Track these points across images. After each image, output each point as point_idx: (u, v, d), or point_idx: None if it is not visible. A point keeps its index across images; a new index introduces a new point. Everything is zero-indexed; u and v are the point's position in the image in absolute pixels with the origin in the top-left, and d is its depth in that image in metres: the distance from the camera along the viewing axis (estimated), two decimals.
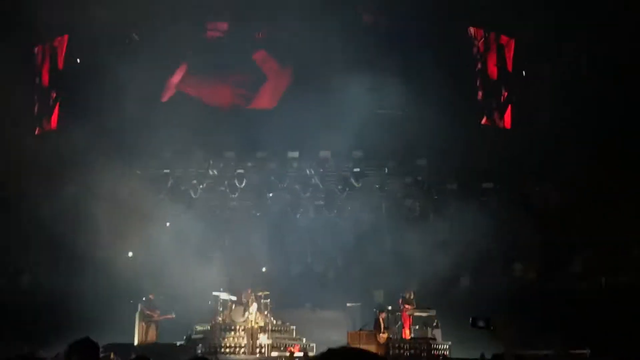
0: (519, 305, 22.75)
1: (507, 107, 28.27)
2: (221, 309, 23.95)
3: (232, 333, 23.08)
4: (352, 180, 27.09)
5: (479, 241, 24.91)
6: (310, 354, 22.40)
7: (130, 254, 26.79)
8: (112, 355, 20.48)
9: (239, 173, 27.31)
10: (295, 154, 26.81)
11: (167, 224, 27.44)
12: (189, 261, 24.80)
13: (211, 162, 27.23)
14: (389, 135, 25.08)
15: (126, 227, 25.47)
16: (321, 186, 27.54)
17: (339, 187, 27.51)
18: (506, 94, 28.37)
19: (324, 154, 26.66)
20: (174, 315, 23.39)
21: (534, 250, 26.56)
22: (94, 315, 22.67)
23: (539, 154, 26.58)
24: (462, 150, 26.09)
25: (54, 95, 28.36)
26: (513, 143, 26.75)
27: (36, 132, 28.25)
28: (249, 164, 27.32)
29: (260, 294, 23.80)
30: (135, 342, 23.14)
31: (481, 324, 6.40)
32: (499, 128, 28.02)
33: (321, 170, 27.20)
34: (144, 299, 24.06)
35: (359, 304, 26.36)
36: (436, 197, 27.47)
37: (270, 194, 27.87)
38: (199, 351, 22.20)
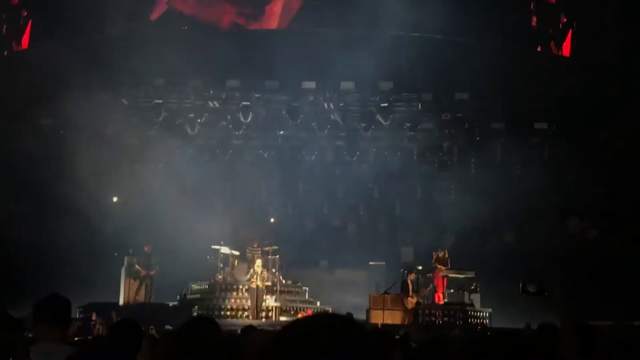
0: (575, 268, 22.51)
1: (566, 34, 27.75)
2: (221, 265, 23.95)
3: (234, 294, 23.16)
4: (379, 117, 26.68)
5: (528, 192, 24.62)
6: None
7: (115, 199, 26.74)
8: (93, 317, 20.52)
9: (244, 106, 26.98)
10: (312, 85, 26.43)
11: (159, 164, 27.30)
12: (184, 209, 24.68)
13: (211, 92, 26.91)
14: (424, 63, 24.62)
15: (110, 167, 25.36)
16: (341, 123, 27.19)
17: (363, 124, 27.15)
18: (565, 19, 27.84)
19: (346, 84, 26.25)
20: (155, 270, 23.44)
21: (594, 205, 26.20)
22: (73, 271, 22.74)
23: (603, 89, 26.05)
24: (512, 83, 25.62)
25: (25, 13, 28.26)
26: (572, 76, 26.25)
27: (4, 54, 28.18)
28: (256, 96, 26.97)
29: (267, 248, 23.76)
30: (121, 302, 23.22)
31: (532, 289, 6.00)
32: (556, 58, 27.48)
33: (342, 104, 26.82)
34: (131, 251, 24.07)
35: (383, 263, 26.25)
36: (478, 138, 27.06)
37: (281, 132, 27.60)
38: (195, 314, 22.23)
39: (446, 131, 26.90)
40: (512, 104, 26.21)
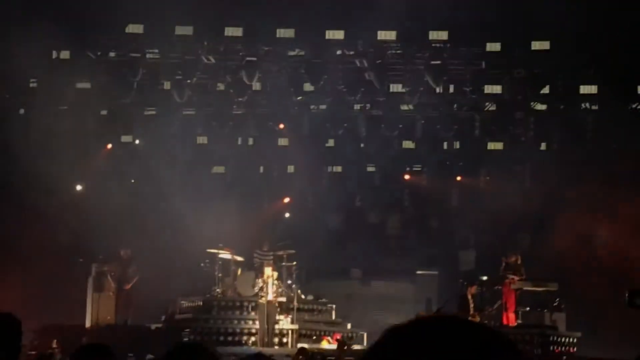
0: None
1: None
2: (220, 275, 24.13)
3: (237, 313, 23.30)
4: (429, 79, 26.76)
5: (629, 174, 24.62)
6: (357, 347, 22.56)
7: (78, 187, 27.02)
8: (53, 344, 20.83)
9: (249, 62, 27.15)
10: (340, 34, 26.53)
11: (136, 141, 27.53)
12: (171, 200, 24.95)
13: (206, 43, 27.05)
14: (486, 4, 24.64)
15: (74, 146, 25.60)
16: (378, 86, 27.30)
17: (407, 88, 27.24)
18: None
19: (385, 34, 26.34)
20: (134, 282, 23.71)
21: None
22: (25, 283, 23.02)
23: None
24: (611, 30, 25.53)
25: None
26: None
27: None
28: (265, 49, 27.12)
29: (281, 253, 23.93)
30: (88, 324, 23.48)
31: None
32: None
33: (379, 61, 26.91)
34: (101, 256, 24.35)
35: (435, 272, 26.44)
36: (562, 106, 27.06)
37: (299, 98, 27.76)
38: (186, 339, 22.45)
39: (519, 97, 26.89)
40: (608, 59, 26.08)
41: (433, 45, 26.07)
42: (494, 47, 26.20)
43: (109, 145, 27.05)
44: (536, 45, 26.10)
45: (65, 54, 25.66)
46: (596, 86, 26.77)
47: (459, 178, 27.47)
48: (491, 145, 27.29)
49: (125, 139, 27.94)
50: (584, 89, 26.94)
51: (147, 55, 27.09)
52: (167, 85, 27.37)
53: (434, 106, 27.51)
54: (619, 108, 26.51)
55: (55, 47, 25.15)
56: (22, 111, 26.89)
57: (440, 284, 25.31)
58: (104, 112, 27.10)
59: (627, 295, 5.86)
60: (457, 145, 28.13)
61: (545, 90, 26.57)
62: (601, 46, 25.88)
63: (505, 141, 27.35)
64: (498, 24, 25.82)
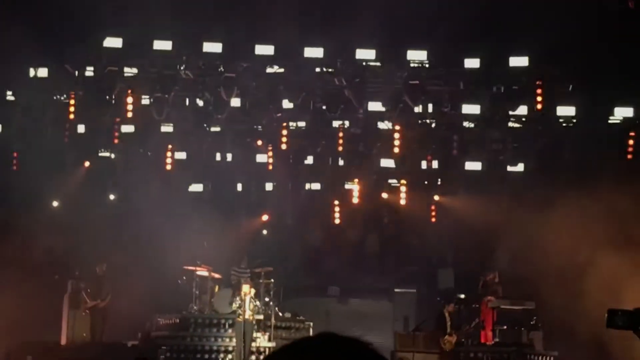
0: None
1: None
2: (197, 292, 24.07)
3: (214, 330, 23.27)
4: (406, 98, 26.69)
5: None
6: None
7: (55, 203, 26.86)
8: None
9: (227, 78, 27.04)
10: (319, 52, 26.47)
11: (111, 155, 27.33)
12: (147, 216, 24.80)
13: (184, 58, 26.90)
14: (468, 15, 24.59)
15: (50, 162, 25.43)
16: (356, 104, 27.21)
17: (386, 107, 27.17)
18: None
19: (363, 53, 26.29)
20: (108, 299, 23.56)
21: None
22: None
23: None
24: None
25: None
26: None
27: None
28: (244, 65, 27.03)
29: (258, 270, 23.90)
30: (63, 341, 23.37)
31: (622, 321, 6.16)
32: None
33: (357, 79, 26.84)
34: (77, 273, 24.23)
35: (413, 290, 26.38)
36: (540, 127, 27.04)
37: (278, 115, 27.66)
38: (162, 356, 22.36)
39: (497, 115, 26.80)
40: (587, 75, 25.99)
41: (411, 64, 26.01)
42: (472, 63, 26.06)
43: (87, 163, 26.76)
44: (514, 61, 25.97)
45: (43, 72, 25.33)
46: (574, 106, 26.64)
47: (437, 197, 27.37)
48: (468, 163, 27.15)
49: (103, 154, 27.73)
50: (561, 110, 26.79)
51: (125, 70, 26.86)
52: (144, 100, 27.17)
53: (411, 125, 27.38)
54: (597, 126, 26.48)
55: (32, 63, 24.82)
56: None
57: (419, 302, 25.28)
58: (81, 128, 26.81)
59: (606, 315, 5.76)
60: (435, 162, 27.98)
61: (523, 109, 26.46)
62: (580, 62, 25.78)
63: (484, 159, 27.22)
64: (476, 39, 25.73)
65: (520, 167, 27.07)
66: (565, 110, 26.47)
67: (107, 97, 26.43)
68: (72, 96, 25.60)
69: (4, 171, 24.36)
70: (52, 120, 25.87)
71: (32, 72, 24.95)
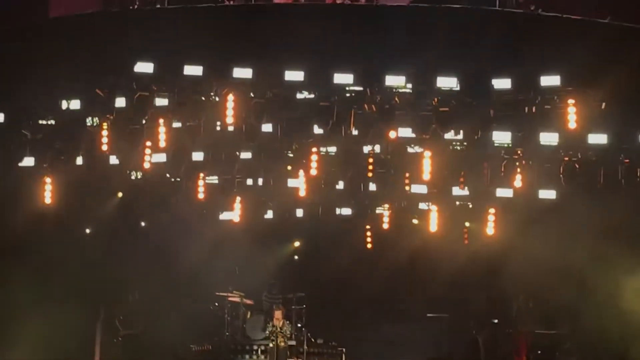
0: None
1: None
2: (229, 318, 24.04)
3: (247, 357, 23.22)
4: (436, 124, 26.63)
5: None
6: None
7: (87, 230, 26.88)
8: None
9: (257, 104, 27.04)
10: (348, 78, 26.40)
11: (143, 181, 27.32)
12: (180, 244, 24.82)
13: (214, 83, 26.87)
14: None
15: (82, 190, 25.48)
16: (385, 130, 27.17)
17: (416, 133, 27.13)
18: None
19: (393, 80, 26.24)
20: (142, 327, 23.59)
21: None
22: (28, 326, 22.83)
23: None
24: None
25: None
26: None
27: None
28: (274, 91, 27.04)
29: (290, 296, 23.85)
30: None
31: None
32: None
33: (387, 106, 26.82)
34: (109, 300, 24.23)
35: (445, 314, 26.14)
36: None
37: (310, 140, 27.60)
38: None
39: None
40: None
41: (442, 89, 25.90)
42: (503, 84, 25.72)
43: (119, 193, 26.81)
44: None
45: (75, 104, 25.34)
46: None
47: (467, 223, 27.22)
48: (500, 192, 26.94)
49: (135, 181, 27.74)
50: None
51: (156, 95, 26.83)
52: (175, 124, 27.13)
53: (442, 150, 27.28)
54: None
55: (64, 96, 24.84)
56: None
57: (451, 328, 25.07)
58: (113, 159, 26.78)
59: None
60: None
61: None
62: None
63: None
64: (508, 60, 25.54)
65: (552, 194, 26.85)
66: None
67: (138, 124, 26.45)
68: (103, 126, 25.58)
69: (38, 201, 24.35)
70: (85, 151, 25.90)
71: (64, 105, 24.97)
